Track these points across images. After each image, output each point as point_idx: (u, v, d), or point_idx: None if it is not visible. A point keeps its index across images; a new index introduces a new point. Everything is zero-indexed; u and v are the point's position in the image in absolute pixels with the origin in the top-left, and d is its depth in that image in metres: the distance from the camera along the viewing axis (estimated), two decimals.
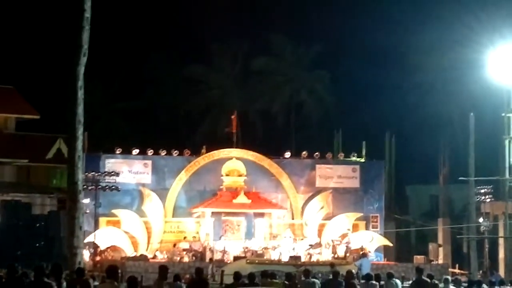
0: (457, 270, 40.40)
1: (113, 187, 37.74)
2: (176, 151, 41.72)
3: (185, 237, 40.08)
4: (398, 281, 21.14)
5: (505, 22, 44.81)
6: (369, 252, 39.48)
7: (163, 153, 41.56)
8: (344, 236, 40.54)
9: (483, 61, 41.80)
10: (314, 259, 37.97)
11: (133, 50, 57.01)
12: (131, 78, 58.12)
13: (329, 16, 56.82)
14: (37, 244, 34.61)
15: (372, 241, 41.28)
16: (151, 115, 58.84)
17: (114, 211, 39.99)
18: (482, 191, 47.04)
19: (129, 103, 57.73)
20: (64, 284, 16.14)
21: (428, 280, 20.27)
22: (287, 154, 43.36)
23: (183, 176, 41.49)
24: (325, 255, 38.67)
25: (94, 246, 37.77)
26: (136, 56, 57.39)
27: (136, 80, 58.50)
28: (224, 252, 37.96)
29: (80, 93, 26.50)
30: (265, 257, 37.32)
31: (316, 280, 20.46)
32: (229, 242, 39.15)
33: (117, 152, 41.03)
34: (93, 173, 37.30)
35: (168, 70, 59.04)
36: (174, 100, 59.24)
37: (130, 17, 57.10)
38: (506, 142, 41.61)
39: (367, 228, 42.54)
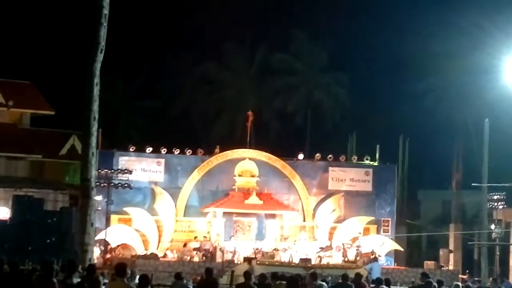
0: (467, 277, 40.26)
1: (126, 185, 37.81)
2: (189, 150, 41.76)
3: (195, 237, 40.12)
4: None
5: None
6: (380, 256, 39.39)
7: (177, 151, 41.58)
8: (355, 239, 40.47)
9: (499, 67, 41.66)
10: (324, 262, 37.92)
11: (152, 49, 57.25)
12: (150, 77, 58.41)
13: (346, 19, 56.89)
14: (49, 240, 34.66)
15: (383, 245, 41.17)
16: (167, 113, 59.01)
17: (125, 208, 40.06)
18: (495, 197, 46.87)
19: (147, 102, 58.00)
20: (74, 280, 16.23)
21: (436, 285, 20.23)
22: (300, 156, 43.34)
23: (195, 176, 41.51)
24: (336, 258, 38.62)
25: (105, 243, 37.85)
26: (155, 55, 57.65)
27: (154, 79, 58.74)
28: (234, 252, 37.98)
29: (96, 90, 26.68)
30: (275, 259, 37.32)
31: (324, 283, 20.41)
32: (239, 242, 39.17)
33: (131, 149, 41.12)
34: (106, 170, 37.38)
35: (185, 69, 59.17)
36: (190, 99, 59.41)
37: (150, 16, 57.33)
38: None
39: (378, 232, 42.41)
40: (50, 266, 15.75)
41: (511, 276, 42.40)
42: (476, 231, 45.28)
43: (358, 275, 20.59)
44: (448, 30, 51.30)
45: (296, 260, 37.09)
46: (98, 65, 26.67)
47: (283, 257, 37.77)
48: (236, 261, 36.86)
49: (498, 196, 46.99)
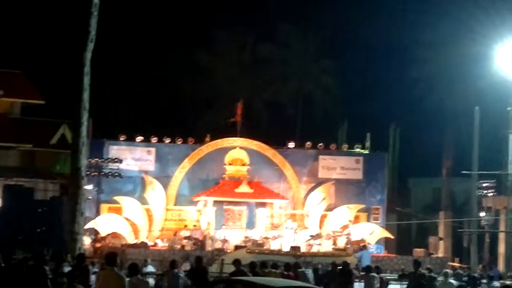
0: (457, 264, 40.44)
1: (116, 174, 37.83)
2: (180, 139, 41.80)
3: (185, 225, 40.18)
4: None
5: None
6: (370, 244, 39.54)
7: (167, 140, 41.65)
8: (345, 227, 40.59)
9: (491, 55, 41.68)
10: (314, 250, 38.02)
11: (142, 38, 57.06)
12: (140, 66, 58.22)
13: (336, 7, 56.82)
14: (39, 229, 34.59)
15: (372, 233, 41.35)
16: (158, 102, 58.92)
17: (116, 198, 40.12)
18: (485, 185, 46.98)
19: (137, 91, 57.89)
20: (65, 269, 16.30)
21: (426, 273, 20.36)
22: (291, 144, 43.41)
23: (186, 164, 41.56)
24: (326, 246, 38.72)
25: (95, 232, 37.88)
26: (145, 44, 57.45)
27: (145, 68, 58.57)
28: (224, 241, 38.05)
29: (86, 79, 26.60)
30: (265, 247, 37.42)
31: (309, 270, 20.69)
32: (230, 231, 39.25)
33: (121, 139, 41.11)
34: (96, 159, 37.38)
35: (176, 58, 59.05)
36: (181, 88, 59.31)
37: (139, 5, 57.12)
38: (510, 136, 41.56)
39: (368, 220, 42.61)
40: (42, 256, 15.83)
41: (500, 263, 42.62)
42: (466, 218, 45.43)
43: (346, 264, 20.76)
44: (439, 18, 51.26)
45: (286, 248, 37.18)
46: (88, 55, 26.59)
47: (273, 245, 37.86)
48: (226, 250, 36.95)
49: (488, 184, 47.11)
